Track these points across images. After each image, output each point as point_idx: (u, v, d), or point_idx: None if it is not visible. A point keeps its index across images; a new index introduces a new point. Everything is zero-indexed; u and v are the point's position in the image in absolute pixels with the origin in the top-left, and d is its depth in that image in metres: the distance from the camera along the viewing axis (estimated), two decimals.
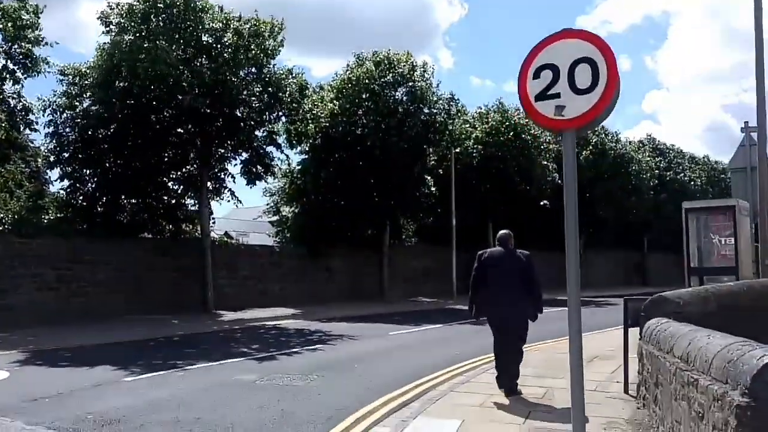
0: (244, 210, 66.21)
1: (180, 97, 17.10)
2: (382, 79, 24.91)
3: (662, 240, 46.95)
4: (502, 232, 8.45)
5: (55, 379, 9.45)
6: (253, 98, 18.80)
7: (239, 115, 19.16)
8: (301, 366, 10.60)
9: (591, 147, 36.51)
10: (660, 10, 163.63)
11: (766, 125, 16.44)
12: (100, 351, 12.40)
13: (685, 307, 8.23)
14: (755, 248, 15.01)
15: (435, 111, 26.21)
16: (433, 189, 27.19)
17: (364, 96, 24.89)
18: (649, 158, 40.19)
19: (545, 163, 32.00)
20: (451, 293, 27.49)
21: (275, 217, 27.62)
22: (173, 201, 20.40)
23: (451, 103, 26.76)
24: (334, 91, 24.99)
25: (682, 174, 43.11)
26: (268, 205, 27.41)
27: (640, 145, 43.09)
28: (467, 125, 30.59)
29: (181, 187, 20.42)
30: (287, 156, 21.29)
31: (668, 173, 42.18)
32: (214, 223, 21.98)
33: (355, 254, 26.58)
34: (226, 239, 24.23)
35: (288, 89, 19.37)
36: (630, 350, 8.32)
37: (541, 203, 33.85)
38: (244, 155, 20.07)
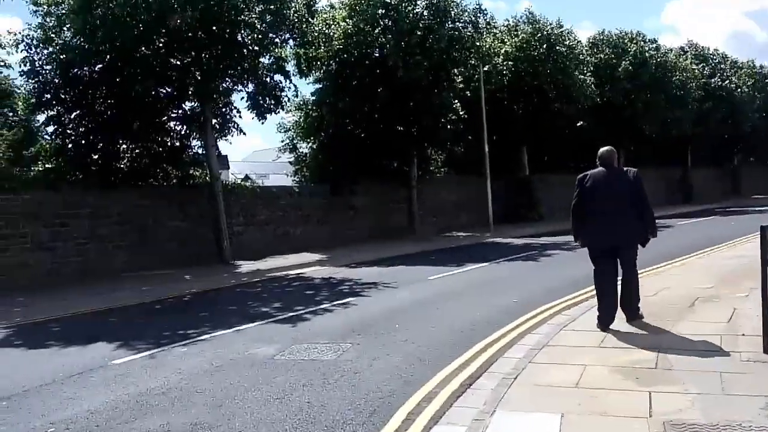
0: (263, 152, 64.67)
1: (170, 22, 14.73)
2: None
3: (705, 154, 44.07)
4: (604, 149, 7.39)
5: (29, 367, 7.66)
6: (255, 18, 16.32)
7: (240, 40, 16.75)
8: (331, 329, 8.70)
9: (630, 57, 33.38)
10: None
11: None
12: (95, 321, 10.62)
13: None
14: None
15: (460, 25, 23.44)
16: (462, 113, 24.68)
17: (380, 12, 22.19)
18: (693, 66, 36.87)
19: (582, 77, 29.09)
20: (487, 225, 25.39)
21: (291, 155, 25.43)
22: (176, 143, 18.29)
23: (478, 14, 23.89)
24: (346, 8, 22.29)
25: (727, 81, 39.71)
26: (283, 142, 25.22)
27: (681, 52, 39.65)
28: (496, 41, 27.74)
29: (184, 127, 18.26)
30: (295, 86, 18.75)
31: (713, 81, 38.84)
32: (225, 164, 19.88)
33: (380, 190, 24.46)
34: (240, 182, 22.21)
35: (294, 5, 16.82)
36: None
37: (578, 124, 31.26)
38: (250, 87, 17.76)
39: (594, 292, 7.87)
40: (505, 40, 28.44)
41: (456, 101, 24.95)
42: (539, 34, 28.04)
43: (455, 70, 24.22)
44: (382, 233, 23.95)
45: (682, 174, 42.39)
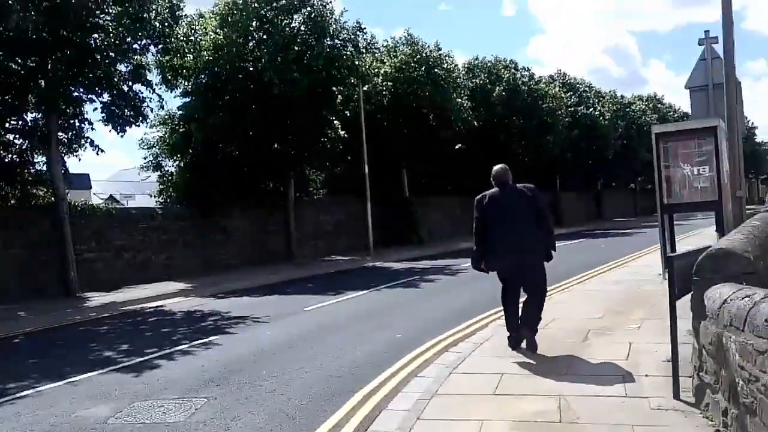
0: (130, 171, 60.71)
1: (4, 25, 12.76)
2: (275, 4, 21.03)
3: (574, 179, 46.09)
4: (497, 167, 7.10)
5: None
6: (109, 21, 14.58)
7: (93, 44, 14.92)
8: (185, 378, 7.33)
9: (504, 83, 34.21)
10: None
11: (733, 34, 14.30)
12: None
13: (756, 264, 5.65)
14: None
15: (339, 42, 22.69)
16: (341, 133, 23.86)
17: (254, 24, 20.99)
18: (561, 94, 38.51)
19: (459, 100, 29.31)
20: (367, 249, 24.60)
21: (155, 174, 23.33)
22: (16, 158, 15.99)
23: (358, 33, 23.22)
24: (217, 18, 20.86)
25: (593, 109, 41.86)
26: (146, 159, 23.08)
27: (551, 80, 41.34)
28: (375, 61, 27.27)
29: (26, 141, 16.01)
30: (159, 97, 16.96)
31: (579, 109, 40.76)
32: (86, 183, 17.72)
33: (256, 211, 23.01)
34: (102, 202, 19.99)
35: (155, 8, 15.22)
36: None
37: (456, 147, 31.53)
38: (105, 96, 15.85)
39: (481, 324, 7.60)
40: (385, 60, 28.08)
41: (335, 121, 24.13)
42: (418, 56, 27.93)
43: (335, 89, 23.39)
44: (257, 259, 22.50)
45: (552, 198, 43.98)
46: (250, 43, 20.85)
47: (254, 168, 22.13)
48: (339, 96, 24.29)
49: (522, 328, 7.09)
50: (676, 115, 57.99)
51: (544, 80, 39.58)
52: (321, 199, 26.54)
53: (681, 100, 74.52)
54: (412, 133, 28.31)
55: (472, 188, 33.58)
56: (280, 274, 19.14)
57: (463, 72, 33.53)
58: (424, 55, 28.05)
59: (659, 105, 56.14)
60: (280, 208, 23.52)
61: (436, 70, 28.04)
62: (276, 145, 22.26)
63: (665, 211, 12.07)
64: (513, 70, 35.87)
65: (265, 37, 21.07)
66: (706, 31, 14.15)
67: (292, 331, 10.04)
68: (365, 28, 23.29)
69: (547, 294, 7.69)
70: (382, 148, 27.57)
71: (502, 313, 7.44)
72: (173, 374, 7.63)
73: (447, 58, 29.21)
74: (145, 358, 8.60)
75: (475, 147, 32.82)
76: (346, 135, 24.25)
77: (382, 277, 17.20)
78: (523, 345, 7.16)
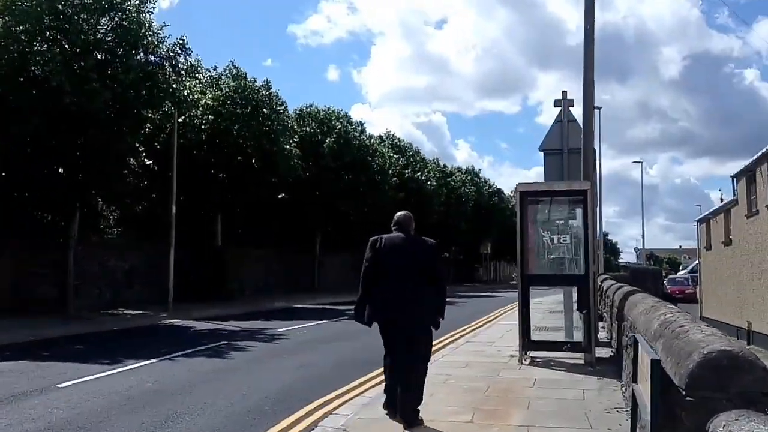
0: None
1: None
2: (77, 0, 17.40)
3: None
4: (400, 213, 6.49)
5: None
6: None
7: None
8: None
9: (335, 134, 32.63)
10: (364, 29, 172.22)
11: (594, 95, 13.58)
12: None
13: None
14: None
15: (155, 59, 19.38)
16: (148, 163, 20.26)
17: (47, 19, 17.10)
18: (391, 153, 37.86)
19: (287, 146, 27.01)
20: (166, 303, 20.79)
21: None
22: None
23: (179, 52, 20.02)
24: None
25: (420, 173, 41.73)
26: None
27: (381, 140, 40.70)
28: (196, 89, 24.09)
29: None
30: None
31: (407, 172, 40.33)
32: None
33: (22, 248, 18.46)
34: None
35: None
36: None
37: (279, 196, 29.26)
38: None
39: (309, 420, 6.58)
40: (206, 92, 25.04)
41: (142, 150, 20.53)
42: (246, 92, 25.31)
43: (144, 112, 19.85)
44: (19, 307, 17.95)
45: None
46: (39, 41, 16.91)
47: (27, 194, 17.77)
48: (149, 123, 20.80)
49: (399, 410, 6.04)
50: (491, 190, 60.69)
51: (374, 137, 38.82)
52: (113, 240, 22.45)
53: (489, 178, 79.16)
54: (231, 174, 25.35)
55: (293, 241, 30.78)
56: (44, 329, 15.00)
57: (294, 118, 31.48)
58: (251, 91, 25.49)
59: (476, 178, 58.27)
60: (57, 246, 19.10)
61: (264, 109, 25.58)
62: (60, 169, 18.11)
63: (525, 282, 10.46)
64: (346, 123, 34.48)
65: (59, 36, 17.25)
66: (564, 92, 13.22)
67: (24, 426, 6.64)
68: (190, 49, 20.17)
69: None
70: (196, 189, 24.24)
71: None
72: None
73: (276, 98, 26.93)
74: None
75: (301, 199, 30.65)
76: (155, 167, 20.67)
77: (179, 341, 13.88)
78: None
